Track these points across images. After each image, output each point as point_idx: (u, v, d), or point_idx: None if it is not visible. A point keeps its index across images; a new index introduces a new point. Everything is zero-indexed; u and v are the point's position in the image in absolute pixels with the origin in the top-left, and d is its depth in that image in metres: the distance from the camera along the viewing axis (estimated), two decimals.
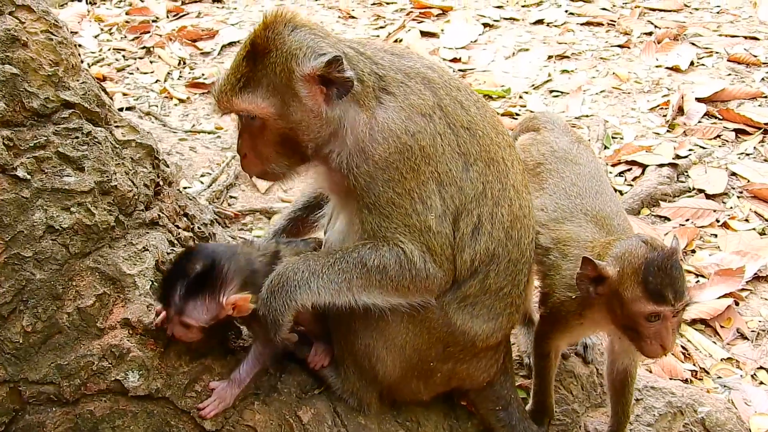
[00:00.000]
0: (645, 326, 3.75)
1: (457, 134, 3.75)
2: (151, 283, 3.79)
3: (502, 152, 3.91)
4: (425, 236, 3.66)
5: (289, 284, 3.64)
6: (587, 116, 8.17)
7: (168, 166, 4.46)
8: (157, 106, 8.28)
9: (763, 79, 8.53)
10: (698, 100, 8.14)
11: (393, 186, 3.62)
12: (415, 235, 3.65)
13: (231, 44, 9.58)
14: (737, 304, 5.84)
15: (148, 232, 3.94)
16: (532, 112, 7.81)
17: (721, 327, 5.69)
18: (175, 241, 4.08)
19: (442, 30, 9.97)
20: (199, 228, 4.43)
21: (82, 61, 4.07)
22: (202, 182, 6.64)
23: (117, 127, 4.09)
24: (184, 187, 6.38)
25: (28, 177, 3.59)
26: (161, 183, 4.22)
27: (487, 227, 3.80)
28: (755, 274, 6.02)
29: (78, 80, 3.91)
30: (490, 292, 3.89)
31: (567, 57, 9.39)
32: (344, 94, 3.59)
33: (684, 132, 7.81)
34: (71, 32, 9.15)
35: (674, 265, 3.69)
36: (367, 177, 3.62)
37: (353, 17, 10.35)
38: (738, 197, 6.86)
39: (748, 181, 7.02)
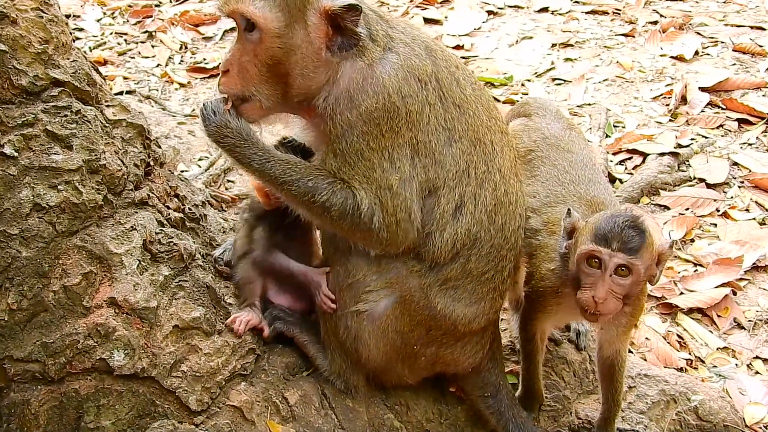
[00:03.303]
0: (585, 273, 3.75)
1: (447, 109, 3.74)
2: (138, 262, 3.78)
3: (492, 136, 3.89)
4: (382, 192, 3.64)
5: (245, 145, 3.64)
6: (589, 104, 8.10)
7: (159, 146, 4.44)
8: (157, 91, 8.25)
9: (767, 69, 8.45)
10: (702, 89, 8.05)
11: (368, 140, 3.60)
12: (372, 187, 3.63)
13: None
14: (735, 293, 5.80)
15: (136, 212, 3.92)
16: None
17: (718, 316, 5.64)
18: (165, 222, 4.06)
19: (446, 17, 9.90)
20: (190, 209, 4.41)
21: (73, 40, 4.05)
22: (199, 166, 6.61)
23: (108, 106, 4.08)
24: (182, 171, 6.37)
25: (16, 154, 3.57)
26: (152, 163, 4.20)
27: (470, 208, 3.79)
28: (754, 263, 5.97)
29: (68, 58, 3.89)
30: (472, 276, 3.88)
31: (571, 45, 9.31)
32: (347, 48, 3.58)
33: (686, 121, 7.74)
34: (74, 16, 9.23)
35: (631, 225, 3.67)
36: (346, 125, 3.59)
37: None
38: (739, 187, 6.80)
39: (750, 170, 6.95)
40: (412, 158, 3.68)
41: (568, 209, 3.94)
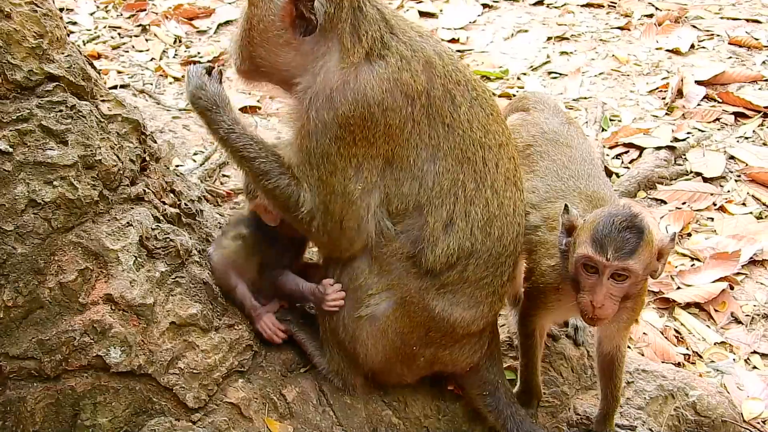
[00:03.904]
0: (583, 277, 3.71)
1: (433, 127, 3.66)
2: (134, 258, 3.75)
3: (485, 153, 3.79)
4: (332, 197, 3.62)
5: (216, 111, 3.73)
6: (585, 98, 8.09)
7: (155, 142, 4.41)
8: (151, 84, 8.21)
9: (763, 62, 8.44)
10: (698, 83, 8.06)
11: (339, 145, 3.56)
12: (322, 192, 3.63)
13: (227, 23, 9.50)
14: (732, 288, 5.79)
15: (132, 208, 3.88)
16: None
17: (716, 311, 5.64)
18: (161, 217, 4.02)
19: (441, 10, 9.89)
20: (186, 204, 4.37)
21: (68, 34, 4.01)
22: (194, 160, 6.58)
23: (103, 101, 4.04)
24: (177, 165, 6.33)
25: (10, 150, 3.53)
26: (148, 158, 4.17)
27: (461, 225, 3.74)
28: (751, 258, 5.96)
29: (63, 53, 3.85)
30: (470, 281, 3.84)
31: (566, 38, 9.31)
32: (306, 33, 3.57)
33: (683, 115, 7.74)
34: (67, 10, 9.16)
35: (630, 227, 3.63)
36: (321, 124, 3.55)
37: None
38: (736, 181, 6.79)
39: (747, 164, 6.95)
40: (382, 170, 3.64)
41: (565, 205, 3.89)
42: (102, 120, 3.91)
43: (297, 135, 3.66)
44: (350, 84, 3.53)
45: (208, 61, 8.62)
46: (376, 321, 3.85)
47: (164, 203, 4.17)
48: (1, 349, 3.53)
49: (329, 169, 3.59)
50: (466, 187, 3.74)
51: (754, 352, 5.35)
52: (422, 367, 4.07)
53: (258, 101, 7.80)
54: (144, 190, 4.00)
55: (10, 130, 3.55)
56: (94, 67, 4.18)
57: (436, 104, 3.67)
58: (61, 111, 3.70)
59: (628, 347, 5.02)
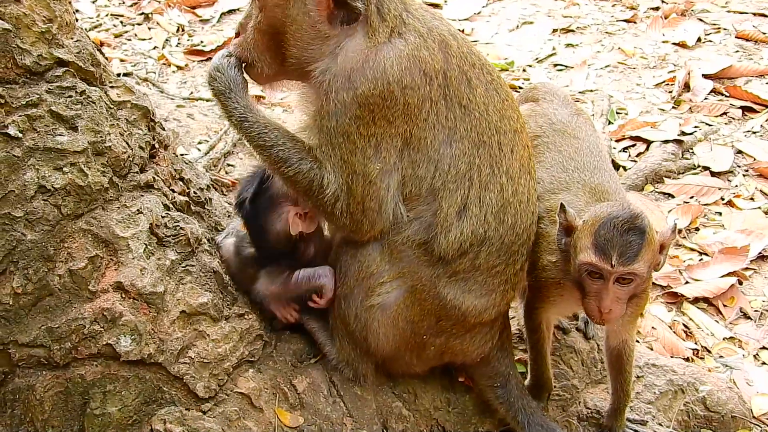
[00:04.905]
0: (588, 282, 3.69)
1: (450, 108, 3.64)
2: (144, 246, 3.71)
3: (500, 137, 3.77)
4: (354, 177, 3.60)
5: (230, 96, 3.69)
6: (591, 91, 8.05)
7: (164, 129, 4.36)
8: (155, 73, 8.16)
9: None
10: (705, 76, 8.00)
11: (359, 125, 3.54)
12: (345, 172, 3.60)
13: (231, 12, 9.44)
14: (741, 283, 5.75)
15: (142, 195, 3.85)
16: None
17: (724, 306, 5.60)
18: (170, 205, 3.99)
19: (446, 1, 9.83)
20: (194, 193, 4.33)
21: (77, 19, 3.96)
22: (199, 149, 6.53)
23: (112, 87, 3.99)
24: (181, 154, 6.27)
25: (20, 135, 3.49)
26: (157, 146, 4.13)
27: (474, 211, 3.72)
28: (760, 253, 5.92)
29: (72, 38, 3.81)
30: (482, 269, 3.82)
31: (572, 31, 9.26)
32: (349, 22, 3.54)
33: (690, 108, 7.69)
34: None
35: (632, 229, 3.58)
36: (340, 104, 3.53)
37: None
38: (743, 175, 6.75)
39: (754, 159, 6.91)
40: (401, 151, 3.62)
41: (561, 204, 3.84)
42: (111, 106, 3.87)
43: (316, 116, 3.63)
44: (369, 62, 3.52)
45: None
46: (387, 310, 3.82)
47: (173, 191, 4.13)
48: (10, 337, 3.49)
49: (350, 148, 3.56)
50: (481, 171, 3.72)
51: (763, 347, 5.31)
52: (432, 356, 4.04)
53: (261, 90, 7.75)
54: (153, 178, 3.96)
55: (20, 116, 3.51)
56: (102, 53, 4.13)
57: (453, 84, 3.65)
58: (70, 96, 3.66)
59: (637, 341, 5.00)
